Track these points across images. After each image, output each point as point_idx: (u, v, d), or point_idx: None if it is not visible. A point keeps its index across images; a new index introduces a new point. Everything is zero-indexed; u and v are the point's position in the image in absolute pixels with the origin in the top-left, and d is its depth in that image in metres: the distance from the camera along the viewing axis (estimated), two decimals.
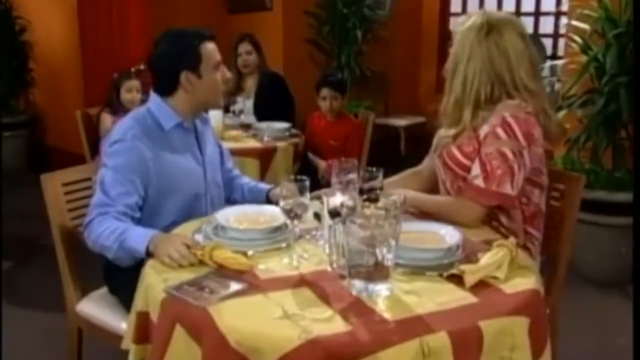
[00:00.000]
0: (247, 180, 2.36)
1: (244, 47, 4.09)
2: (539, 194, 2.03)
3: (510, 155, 1.86)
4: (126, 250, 1.78)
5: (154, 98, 2.06)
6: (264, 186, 2.30)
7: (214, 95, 2.08)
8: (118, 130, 1.99)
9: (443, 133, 2.06)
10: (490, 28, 1.95)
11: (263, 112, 3.92)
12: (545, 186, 2.05)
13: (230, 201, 2.24)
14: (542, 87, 2.02)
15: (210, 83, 2.03)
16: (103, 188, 1.91)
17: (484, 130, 1.93)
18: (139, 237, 1.75)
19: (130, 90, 3.83)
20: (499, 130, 1.88)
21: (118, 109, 3.85)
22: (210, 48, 2.03)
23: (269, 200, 2.17)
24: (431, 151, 2.18)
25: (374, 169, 1.80)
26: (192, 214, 2.01)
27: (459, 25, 2.02)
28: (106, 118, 3.90)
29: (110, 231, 1.82)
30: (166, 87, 2.03)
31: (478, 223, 1.89)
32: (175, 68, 1.99)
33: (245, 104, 3.97)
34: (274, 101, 3.99)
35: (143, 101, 3.73)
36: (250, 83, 4.13)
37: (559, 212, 2.16)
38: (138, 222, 1.93)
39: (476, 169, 1.89)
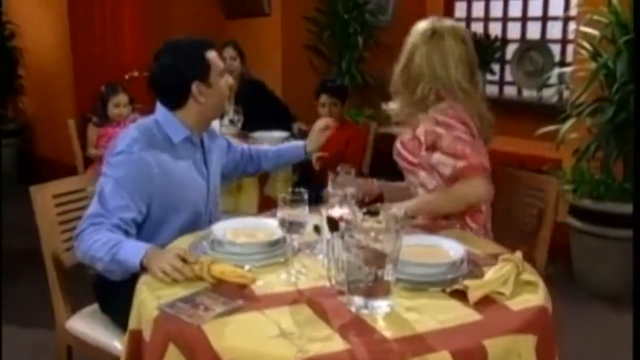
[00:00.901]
0: (267, 147, 2.51)
1: (229, 53, 4.14)
2: None
3: (464, 136, 2.10)
4: (118, 263, 1.78)
5: (160, 110, 2.05)
6: (296, 142, 2.48)
7: (222, 103, 2.13)
8: (123, 141, 1.96)
9: (396, 131, 2.35)
10: (433, 32, 2.21)
11: (246, 119, 3.91)
12: None
13: (258, 171, 2.51)
14: (477, 90, 2.28)
15: (219, 91, 2.06)
16: (101, 199, 1.90)
17: (420, 132, 2.17)
18: (132, 251, 1.75)
19: (117, 105, 3.86)
20: (438, 129, 2.12)
21: (104, 122, 3.89)
22: (214, 56, 2.05)
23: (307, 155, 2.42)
24: None
25: (343, 169, 1.90)
26: (192, 231, 2.01)
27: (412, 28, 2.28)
28: (92, 131, 3.94)
29: (102, 243, 1.81)
30: (175, 100, 2.03)
31: (488, 195, 2.11)
32: (185, 80, 2.00)
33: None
34: (257, 108, 3.99)
35: (133, 117, 3.81)
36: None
37: (535, 215, 2.25)
38: (136, 238, 1.92)
39: (448, 161, 2.10)
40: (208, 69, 2.01)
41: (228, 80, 2.13)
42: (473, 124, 2.16)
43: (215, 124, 3.28)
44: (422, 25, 2.25)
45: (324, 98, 3.78)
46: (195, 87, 2.00)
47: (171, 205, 2.00)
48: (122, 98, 3.89)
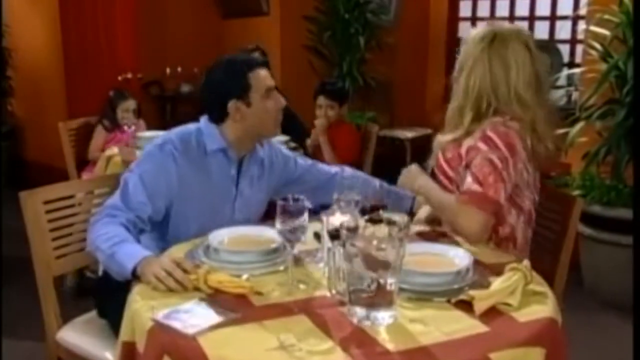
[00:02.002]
0: (368, 177, 2.47)
1: None
2: (516, 215, 2.08)
3: (497, 162, 1.97)
4: (115, 263, 1.80)
5: (205, 120, 2.13)
6: (402, 192, 2.32)
7: (266, 124, 2.12)
8: (160, 138, 2.09)
9: (440, 138, 2.17)
10: (493, 37, 2.07)
11: None
12: (525, 211, 2.10)
13: None
14: (539, 102, 2.08)
15: (261, 111, 2.07)
16: (123, 192, 1.99)
17: (466, 143, 2.05)
18: (130, 254, 1.77)
19: (127, 110, 4.03)
20: (480, 144, 2.00)
21: (114, 128, 4.04)
22: (261, 74, 2.09)
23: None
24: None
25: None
26: None
27: (468, 35, 2.14)
28: (100, 134, 4.08)
29: (108, 237, 1.86)
30: (216, 115, 2.10)
31: (480, 234, 1.95)
32: (223, 96, 2.06)
33: None
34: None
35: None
36: None
37: (554, 238, 2.17)
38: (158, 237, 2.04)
39: (469, 179, 1.99)
40: (247, 87, 2.05)
41: (280, 101, 2.13)
42: (521, 145, 2.02)
43: None
44: (480, 31, 2.11)
45: (321, 100, 3.80)
46: (232, 105, 2.05)
47: (189, 216, 2.06)
48: (131, 103, 4.07)
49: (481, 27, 2.14)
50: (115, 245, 1.82)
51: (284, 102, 2.16)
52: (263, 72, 2.10)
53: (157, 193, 2.00)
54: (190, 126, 2.14)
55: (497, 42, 2.06)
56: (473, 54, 2.08)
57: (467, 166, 2.01)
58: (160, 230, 2.07)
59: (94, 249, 1.90)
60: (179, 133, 2.11)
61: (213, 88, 2.10)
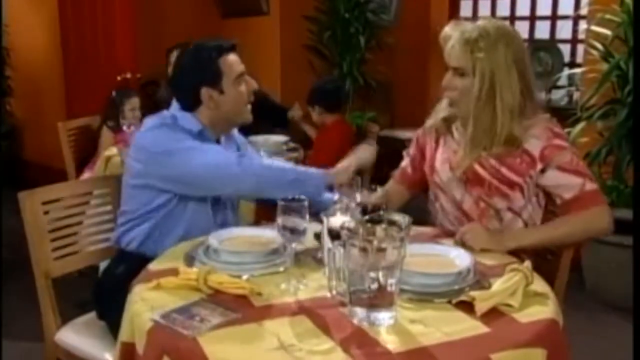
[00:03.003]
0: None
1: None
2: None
3: (577, 158, 2.01)
4: (307, 175, 2.03)
5: (177, 106, 2.12)
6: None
7: (241, 109, 2.12)
8: (168, 141, 2.02)
9: (465, 154, 2.06)
10: (502, 35, 1.99)
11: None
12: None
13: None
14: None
15: (234, 97, 2.07)
16: (210, 163, 2.01)
17: (534, 145, 1.99)
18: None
19: (133, 108, 4.00)
20: (558, 141, 1.99)
21: (120, 127, 4.00)
22: (231, 60, 2.07)
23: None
24: (403, 164, 2.33)
25: (373, 187, 1.86)
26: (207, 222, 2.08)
27: (459, 39, 2.00)
28: (108, 135, 4.07)
29: (277, 162, 2.11)
30: (187, 103, 2.09)
31: (612, 223, 2.00)
32: (195, 84, 2.05)
33: None
34: (258, 120, 4.00)
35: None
36: None
37: None
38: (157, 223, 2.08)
39: (575, 179, 1.97)
40: (219, 75, 2.04)
41: (252, 84, 2.13)
42: None
43: None
44: (486, 30, 1.99)
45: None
46: (205, 92, 2.04)
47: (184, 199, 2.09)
48: (137, 100, 4.04)
49: (458, 31, 2.02)
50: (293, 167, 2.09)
51: (256, 85, 2.16)
52: (232, 57, 2.08)
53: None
54: (165, 113, 2.12)
55: (504, 39, 1.98)
56: (497, 63, 1.96)
57: (546, 166, 1.98)
58: (159, 218, 2.07)
59: (277, 171, 2.05)
60: (162, 117, 2.09)
61: (184, 76, 2.09)
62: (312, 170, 2.09)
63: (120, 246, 2.15)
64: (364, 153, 2.19)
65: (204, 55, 2.06)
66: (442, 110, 2.19)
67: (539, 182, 2.02)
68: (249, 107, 2.16)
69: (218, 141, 2.17)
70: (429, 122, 2.24)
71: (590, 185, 1.97)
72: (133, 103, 3.98)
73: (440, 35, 2.10)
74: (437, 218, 2.20)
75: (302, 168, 2.13)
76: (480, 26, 2.01)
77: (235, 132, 2.31)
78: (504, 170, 2.02)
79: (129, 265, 2.00)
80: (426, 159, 2.25)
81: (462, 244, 1.87)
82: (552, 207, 2.12)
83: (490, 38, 1.98)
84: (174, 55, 3.99)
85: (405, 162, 2.35)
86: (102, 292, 2.10)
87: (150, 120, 2.11)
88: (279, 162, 2.17)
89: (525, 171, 2.00)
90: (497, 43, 1.98)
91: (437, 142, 2.21)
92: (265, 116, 3.95)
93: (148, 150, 2.04)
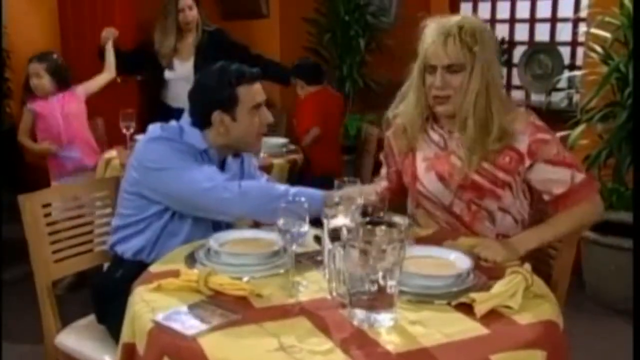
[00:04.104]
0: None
1: (185, 2, 4.01)
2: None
3: (562, 148, 2.01)
4: (304, 194, 1.90)
5: (187, 119, 2.11)
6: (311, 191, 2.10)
7: (249, 139, 2.11)
8: (162, 158, 2.01)
9: (464, 164, 2.02)
10: (485, 27, 2.04)
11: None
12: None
13: None
14: None
15: (245, 127, 2.06)
16: (205, 172, 2.00)
17: (520, 141, 1.97)
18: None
19: (37, 74, 3.73)
20: (542, 135, 1.98)
21: (30, 95, 3.81)
22: (250, 89, 2.06)
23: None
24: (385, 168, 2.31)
25: (348, 179, 1.88)
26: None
27: (453, 34, 1.96)
28: (26, 113, 3.89)
29: (271, 185, 2.05)
30: (200, 121, 2.08)
31: (602, 211, 2.07)
32: (209, 105, 2.04)
33: (184, 67, 4.01)
34: (219, 58, 3.99)
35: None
36: (189, 42, 4.10)
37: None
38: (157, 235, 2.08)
39: (564, 172, 1.97)
40: (235, 101, 2.03)
41: (267, 117, 2.11)
42: None
43: None
44: (449, 30, 1.97)
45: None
46: (217, 115, 2.04)
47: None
48: (36, 67, 3.74)
49: (446, 27, 1.98)
50: (288, 188, 2.01)
51: (271, 119, 2.14)
52: (254, 87, 2.07)
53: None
54: (173, 123, 2.12)
55: (487, 32, 2.01)
56: (491, 55, 1.98)
57: (534, 161, 1.98)
58: (154, 229, 2.07)
59: (266, 199, 1.96)
60: (166, 129, 2.08)
61: (200, 94, 2.08)
62: (308, 193, 1.97)
63: (117, 254, 2.15)
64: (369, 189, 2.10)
65: (224, 78, 2.05)
66: (412, 110, 2.10)
67: (527, 177, 2.02)
68: (261, 139, 2.16)
69: (224, 160, 2.17)
70: (399, 123, 2.17)
71: (579, 176, 1.97)
72: (33, 69, 3.74)
73: (424, 33, 2.05)
74: (422, 223, 2.16)
75: (295, 190, 2.01)
76: (467, 20, 2.00)
77: (245, 155, 2.27)
78: (497, 172, 2.01)
79: (127, 270, 2.02)
80: (403, 168, 2.18)
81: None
82: (539, 205, 2.12)
83: (480, 31, 1.98)
84: (34, 66, 3.78)
85: (383, 172, 2.33)
86: (101, 296, 2.10)
87: (153, 129, 2.11)
88: (273, 188, 2.07)
89: (515, 169, 2.00)
90: (485, 35, 1.99)
91: (411, 149, 2.14)
92: (227, 50, 3.95)
93: (142, 162, 2.04)
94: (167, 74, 4.06)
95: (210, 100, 2.05)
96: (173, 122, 2.13)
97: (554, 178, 1.97)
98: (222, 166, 2.16)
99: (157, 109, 4.03)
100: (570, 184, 1.96)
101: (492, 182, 2.02)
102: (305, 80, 4.25)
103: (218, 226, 2.09)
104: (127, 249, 2.10)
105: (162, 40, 4.02)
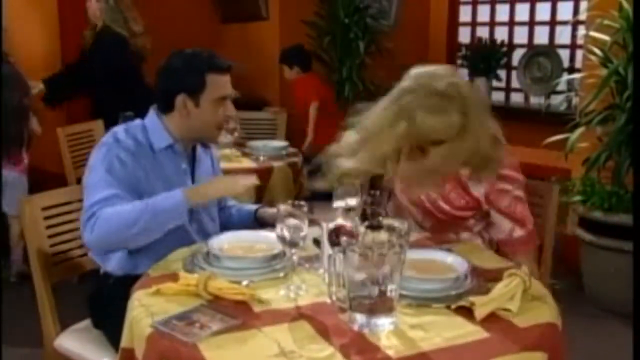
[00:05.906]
0: (233, 203, 2.35)
1: None
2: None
3: (522, 194, 2.06)
4: (163, 213, 1.85)
5: (151, 114, 2.10)
6: (250, 206, 2.30)
7: (209, 129, 2.08)
8: (108, 136, 2.02)
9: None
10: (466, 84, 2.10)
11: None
12: None
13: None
14: None
15: (207, 115, 2.04)
16: (91, 192, 1.91)
17: (478, 189, 2.05)
18: (168, 196, 1.87)
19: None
20: (501, 185, 2.04)
21: None
22: (219, 79, 2.04)
23: (258, 220, 2.20)
24: None
25: (377, 193, 1.83)
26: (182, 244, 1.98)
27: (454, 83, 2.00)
28: None
29: (129, 210, 1.85)
30: (162, 104, 2.07)
31: (535, 270, 2.06)
32: (174, 87, 2.02)
33: None
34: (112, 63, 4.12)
35: None
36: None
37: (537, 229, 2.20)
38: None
39: (506, 224, 2.06)
40: (202, 87, 2.01)
41: (230, 110, 2.09)
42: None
43: None
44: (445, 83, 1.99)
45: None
46: (180, 99, 2.02)
47: None
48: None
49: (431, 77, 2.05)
50: (147, 205, 1.85)
51: (234, 113, 2.12)
52: (224, 78, 2.05)
53: (126, 182, 1.93)
54: (136, 122, 2.09)
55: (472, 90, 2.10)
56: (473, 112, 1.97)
57: (490, 208, 2.07)
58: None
59: (115, 232, 1.84)
60: (126, 131, 2.04)
61: (167, 76, 2.06)
62: (165, 204, 1.88)
63: (101, 264, 2.11)
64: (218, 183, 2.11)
65: (194, 64, 2.03)
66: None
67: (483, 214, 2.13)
68: (221, 131, 2.14)
69: (194, 152, 2.15)
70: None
71: (519, 232, 2.05)
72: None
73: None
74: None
75: (151, 206, 1.87)
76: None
77: (213, 148, 2.28)
78: (455, 212, 2.10)
79: (118, 278, 2.02)
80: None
81: None
82: None
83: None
84: None
85: None
86: (98, 301, 2.08)
87: (111, 131, 2.06)
88: (129, 212, 1.87)
89: (473, 208, 2.10)
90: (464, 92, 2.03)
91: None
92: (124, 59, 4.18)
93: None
94: None
95: (176, 83, 2.02)
96: (137, 121, 2.11)
97: (497, 223, 2.08)
98: (192, 158, 2.14)
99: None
100: (508, 237, 2.07)
101: (452, 217, 2.12)
102: (289, 65, 4.75)
103: (192, 219, 2.04)
104: (108, 266, 2.07)
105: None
